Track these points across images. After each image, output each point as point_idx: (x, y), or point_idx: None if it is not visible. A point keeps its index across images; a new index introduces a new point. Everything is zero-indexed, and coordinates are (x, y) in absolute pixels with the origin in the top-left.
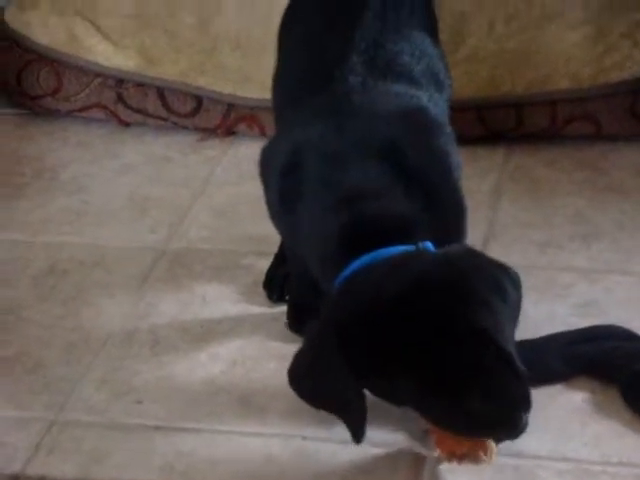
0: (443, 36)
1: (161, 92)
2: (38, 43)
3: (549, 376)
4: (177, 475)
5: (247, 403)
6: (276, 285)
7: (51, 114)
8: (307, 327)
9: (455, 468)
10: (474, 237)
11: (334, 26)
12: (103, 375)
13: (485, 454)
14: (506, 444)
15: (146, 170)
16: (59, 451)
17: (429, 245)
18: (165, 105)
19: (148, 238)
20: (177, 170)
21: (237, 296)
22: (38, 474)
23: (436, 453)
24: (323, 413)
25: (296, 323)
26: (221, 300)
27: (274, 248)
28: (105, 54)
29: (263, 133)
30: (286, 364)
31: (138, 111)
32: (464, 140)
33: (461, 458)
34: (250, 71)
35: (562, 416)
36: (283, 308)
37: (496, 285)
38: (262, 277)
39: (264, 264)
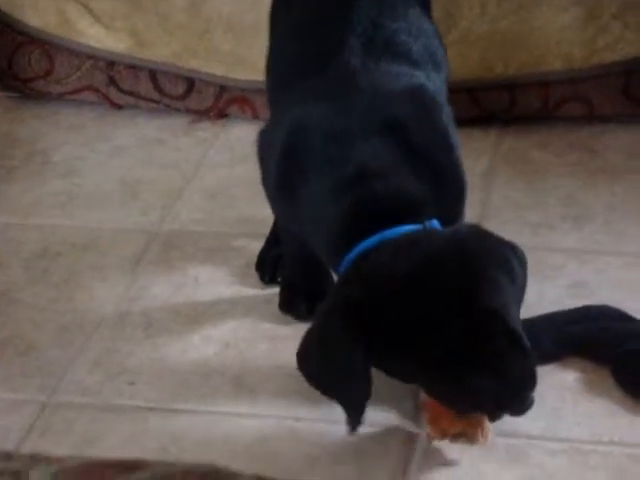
0: (435, 18)
1: (153, 74)
2: (30, 25)
3: (541, 356)
4: (170, 456)
5: (240, 384)
6: (268, 267)
7: (42, 97)
8: (317, 307)
9: (447, 447)
10: (467, 218)
11: (330, 7)
12: (96, 357)
13: (482, 434)
14: (498, 423)
15: (138, 153)
16: (52, 433)
17: (435, 224)
18: (157, 87)
19: (140, 221)
20: (169, 152)
21: (230, 278)
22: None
23: (426, 432)
24: (316, 394)
25: (289, 305)
26: (214, 282)
27: (266, 230)
28: (97, 36)
29: (255, 115)
30: (279, 345)
31: (130, 93)
32: (457, 122)
33: (455, 438)
34: (242, 53)
35: (554, 396)
36: (276, 290)
37: (505, 264)
38: (254, 259)
39: (256, 246)
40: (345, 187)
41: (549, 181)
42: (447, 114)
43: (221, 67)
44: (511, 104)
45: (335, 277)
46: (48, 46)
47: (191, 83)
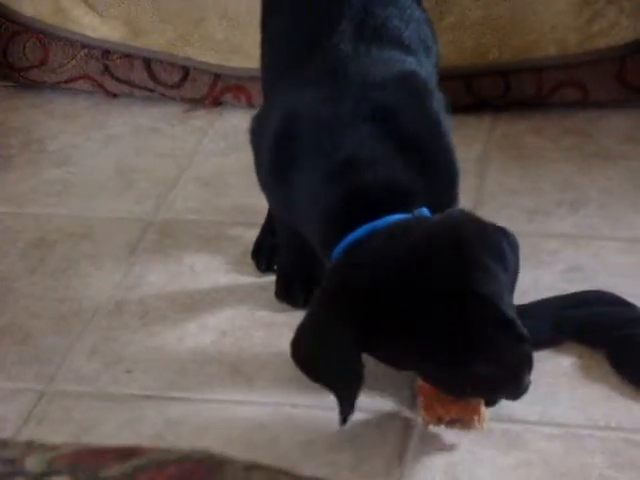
0: (428, 4)
1: (148, 63)
2: (24, 15)
3: (537, 341)
4: (167, 443)
5: (237, 372)
6: (264, 255)
7: (37, 86)
8: (312, 295)
9: (444, 433)
10: (462, 205)
11: None
12: (93, 346)
13: (478, 420)
14: (494, 409)
15: (133, 141)
16: (49, 421)
17: (425, 211)
18: (152, 76)
19: (136, 209)
20: (164, 141)
21: (226, 266)
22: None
23: (421, 417)
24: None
25: (285, 292)
26: (210, 270)
27: (262, 218)
28: (91, 25)
29: (250, 103)
30: (275, 333)
31: (124, 82)
32: (451, 109)
33: (451, 423)
34: (237, 41)
35: (550, 381)
36: (271, 278)
37: (496, 250)
38: (250, 247)
39: (252, 234)
40: (336, 175)
41: (544, 166)
42: (438, 100)
43: (216, 55)
44: (505, 90)
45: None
46: (42, 35)
47: (186, 72)
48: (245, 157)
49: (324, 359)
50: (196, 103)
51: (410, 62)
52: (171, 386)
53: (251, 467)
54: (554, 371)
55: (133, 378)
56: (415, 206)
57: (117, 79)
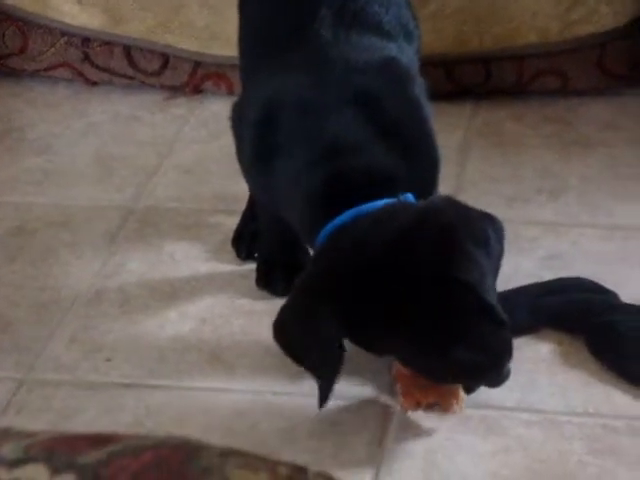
0: None
1: (127, 50)
2: (3, 2)
3: (516, 328)
4: (147, 432)
5: (216, 360)
6: (244, 243)
7: (17, 74)
8: (295, 281)
9: (422, 420)
10: (442, 191)
11: None
12: (73, 334)
13: (457, 403)
14: (473, 395)
15: (113, 129)
16: (28, 410)
17: (410, 197)
18: (131, 64)
19: (116, 197)
20: (144, 129)
21: (206, 254)
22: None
23: (400, 404)
24: (292, 368)
25: (265, 280)
26: (190, 258)
27: (242, 206)
28: (71, 13)
29: (231, 91)
30: (255, 321)
31: (104, 70)
32: (432, 96)
33: (429, 407)
34: (217, 29)
35: (529, 367)
36: (252, 266)
37: (480, 236)
38: (230, 235)
39: (232, 222)
40: (318, 161)
41: (524, 154)
42: (419, 86)
43: (196, 43)
44: (486, 78)
45: (311, 252)
46: (22, 23)
47: (166, 59)
48: (226, 145)
49: (306, 342)
50: (176, 91)
51: (390, 48)
52: (151, 374)
53: (228, 453)
54: (533, 357)
55: (113, 366)
56: (399, 191)
57: (97, 67)
